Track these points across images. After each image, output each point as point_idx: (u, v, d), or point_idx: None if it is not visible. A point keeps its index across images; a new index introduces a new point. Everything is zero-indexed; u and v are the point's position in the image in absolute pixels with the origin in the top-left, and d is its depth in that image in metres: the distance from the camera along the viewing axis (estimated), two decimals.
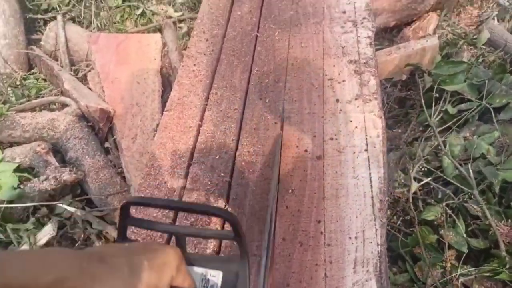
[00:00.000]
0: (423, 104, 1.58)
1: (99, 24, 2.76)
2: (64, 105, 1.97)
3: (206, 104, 1.37)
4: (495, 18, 2.23)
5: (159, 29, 2.80)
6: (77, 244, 1.54)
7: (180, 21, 2.75)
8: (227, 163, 1.22)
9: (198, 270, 0.52)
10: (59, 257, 0.33)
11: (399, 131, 1.60)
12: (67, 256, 0.34)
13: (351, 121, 1.29)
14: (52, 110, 2.14)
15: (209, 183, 1.18)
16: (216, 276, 0.53)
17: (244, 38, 1.60)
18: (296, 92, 1.39)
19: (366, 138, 1.24)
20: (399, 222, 1.38)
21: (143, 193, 1.16)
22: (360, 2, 1.69)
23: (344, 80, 1.42)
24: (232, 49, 1.56)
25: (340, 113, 1.32)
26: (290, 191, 1.13)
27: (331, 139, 1.25)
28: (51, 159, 1.63)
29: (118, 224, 0.51)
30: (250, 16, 1.67)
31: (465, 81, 1.59)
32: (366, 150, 1.21)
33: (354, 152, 1.21)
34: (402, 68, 1.89)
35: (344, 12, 1.65)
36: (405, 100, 1.80)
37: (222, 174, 1.20)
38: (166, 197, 1.15)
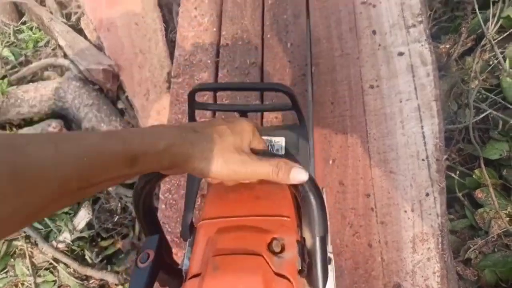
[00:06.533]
0: (476, 8, 1.29)
1: None
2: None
3: (218, 61, 1.17)
4: None
5: None
6: (115, 216, 1.52)
7: None
8: None
9: (263, 138, 0.57)
10: (164, 130, 0.41)
11: (447, 46, 1.34)
12: (170, 129, 0.42)
13: (393, 59, 1.07)
14: (54, 67, 1.98)
15: None
16: (279, 141, 0.60)
17: None
18: (322, 28, 1.15)
19: (414, 80, 1.04)
20: (452, 157, 1.23)
21: (168, 184, 1.06)
22: None
23: (380, 2, 1.15)
24: None
25: (378, 49, 1.09)
26: (330, 161, 0.99)
27: (371, 87, 1.05)
28: None
29: (188, 109, 0.59)
30: None
31: None
32: (415, 96, 1.02)
33: (401, 101, 1.02)
34: None
35: None
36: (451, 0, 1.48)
37: None
38: None
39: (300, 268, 0.46)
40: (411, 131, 0.99)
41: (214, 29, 1.21)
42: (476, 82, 1.21)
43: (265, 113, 1.08)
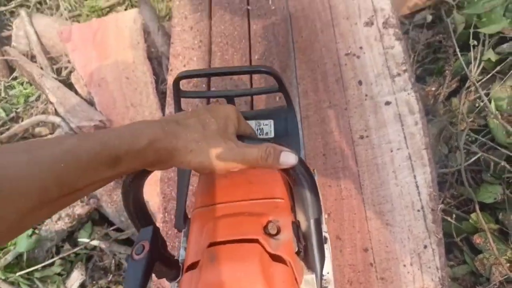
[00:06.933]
0: (458, 52, 1.33)
1: (68, 6, 2.44)
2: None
3: None
4: None
5: None
6: (110, 274, 1.48)
7: None
8: None
9: (251, 122, 0.57)
10: (145, 126, 0.40)
11: (433, 88, 1.37)
12: (150, 124, 0.40)
13: (380, 109, 1.09)
14: (45, 123, 1.98)
15: None
16: (268, 124, 0.60)
17: (234, 15, 1.34)
18: (309, 80, 1.17)
19: (403, 129, 1.05)
20: (447, 201, 1.23)
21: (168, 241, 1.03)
22: None
23: (364, 52, 1.18)
24: (223, 35, 1.31)
25: (366, 99, 1.11)
26: (326, 215, 0.98)
27: (361, 137, 1.06)
28: None
29: (174, 98, 0.58)
30: None
31: (504, 15, 1.31)
32: (405, 145, 1.03)
33: (392, 151, 1.03)
34: (424, 2, 1.59)
35: None
36: (433, 42, 1.53)
37: None
38: None
39: (296, 249, 0.46)
40: (404, 181, 0.99)
41: (204, 85, 1.23)
42: (464, 124, 1.23)
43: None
